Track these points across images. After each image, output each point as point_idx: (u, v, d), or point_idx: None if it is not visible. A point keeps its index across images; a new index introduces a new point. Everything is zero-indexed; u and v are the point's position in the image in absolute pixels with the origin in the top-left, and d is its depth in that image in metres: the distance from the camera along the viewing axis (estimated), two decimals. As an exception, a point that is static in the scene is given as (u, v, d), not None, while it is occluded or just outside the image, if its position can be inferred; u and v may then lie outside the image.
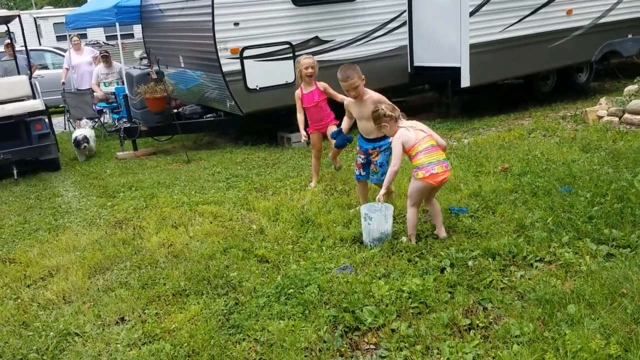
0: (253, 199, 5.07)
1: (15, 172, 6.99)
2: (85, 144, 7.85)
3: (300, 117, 5.43)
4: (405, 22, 8.17)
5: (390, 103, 3.98)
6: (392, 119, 3.71)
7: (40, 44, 16.87)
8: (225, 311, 3.08)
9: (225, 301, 3.19)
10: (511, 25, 7.92)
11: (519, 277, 3.16)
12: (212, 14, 6.83)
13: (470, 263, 3.34)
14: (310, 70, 5.26)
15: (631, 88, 7.17)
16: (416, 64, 8.36)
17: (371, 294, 3.07)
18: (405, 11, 8.10)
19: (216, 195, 5.38)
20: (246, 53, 7.08)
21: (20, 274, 3.93)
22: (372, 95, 4.26)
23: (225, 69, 7.01)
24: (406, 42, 8.26)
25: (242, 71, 7.11)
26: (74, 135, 8.00)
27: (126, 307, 3.27)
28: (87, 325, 3.11)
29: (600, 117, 6.72)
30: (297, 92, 5.40)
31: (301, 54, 7.35)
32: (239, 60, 7.06)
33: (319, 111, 5.39)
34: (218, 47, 6.92)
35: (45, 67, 14.04)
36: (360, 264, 3.49)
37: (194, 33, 7.47)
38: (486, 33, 7.73)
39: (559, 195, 4.19)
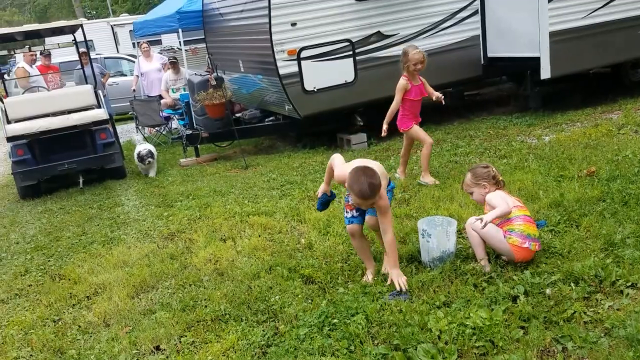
0: (305, 209, 4.77)
1: (81, 181, 7.14)
2: (150, 159, 7.40)
3: (394, 108, 5.06)
4: (477, 10, 7.57)
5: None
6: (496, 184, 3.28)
7: (117, 52, 17.60)
8: (262, 343, 2.79)
9: (263, 330, 2.90)
10: (596, 10, 7.10)
11: (606, 308, 2.63)
12: (269, 15, 6.62)
13: (548, 291, 2.83)
14: (420, 66, 4.90)
15: None
16: (490, 55, 7.73)
17: (428, 328, 2.66)
18: (476, -1, 7.49)
19: (268, 204, 5.14)
20: (304, 54, 6.81)
21: (66, 293, 3.86)
22: None
23: (282, 71, 6.78)
24: (478, 32, 7.67)
25: (300, 73, 6.85)
26: (137, 150, 7.53)
27: (164, 333, 3.06)
28: (121, 355, 2.93)
29: None
30: (405, 83, 4.97)
31: (361, 51, 7.06)
32: (296, 62, 6.81)
33: (419, 105, 5.14)
34: (275, 50, 6.71)
35: (123, 74, 14.53)
36: (416, 289, 3.08)
37: (252, 36, 7.30)
38: (568, 19, 6.96)
39: (656, 205, 3.56)
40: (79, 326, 3.36)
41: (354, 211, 3.26)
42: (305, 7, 6.74)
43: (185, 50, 9.93)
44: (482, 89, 10.16)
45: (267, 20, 6.65)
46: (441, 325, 2.66)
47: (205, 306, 3.31)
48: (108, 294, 3.73)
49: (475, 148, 6.22)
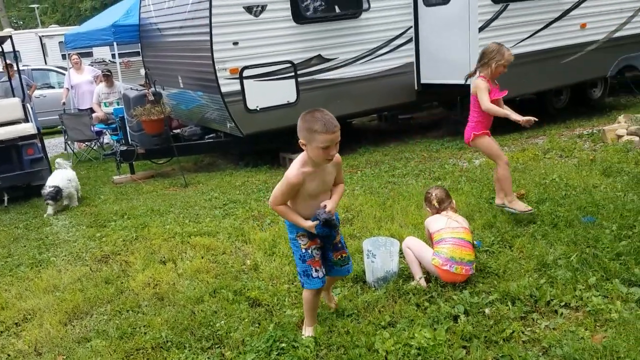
0: (249, 229, 4.73)
1: (6, 198, 6.73)
2: (51, 202, 6.20)
3: (493, 108, 4.09)
4: (411, 38, 7.88)
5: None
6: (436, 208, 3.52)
7: (46, 63, 16.82)
8: (208, 370, 2.73)
9: (209, 357, 2.84)
10: (523, 40, 7.59)
11: (543, 328, 2.78)
12: (210, 33, 6.58)
13: (487, 310, 2.96)
14: (506, 70, 4.15)
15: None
16: (423, 81, 8.05)
17: (375, 349, 2.70)
18: (411, 27, 7.82)
19: (211, 224, 5.05)
20: (246, 73, 6.81)
21: (-9, 319, 3.61)
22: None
23: (224, 89, 6.73)
24: (413, 59, 7.97)
25: (242, 92, 6.84)
26: (45, 187, 6.29)
27: (100, 363, 2.92)
28: (54, 385, 2.76)
29: (619, 137, 6.33)
30: (484, 84, 4.06)
31: (302, 73, 7.15)
32: (238, 80, 6.79)
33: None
34: (217, 68, 6.66)
35: (51, 87, 13.92)
36: (362, 309, 3.13)
37: (193, 53, 7.22)
38: (496, 49, 7.37)
39: (582, 227, 3.82)
40: (8, 355, 3.14)
41: (319, 269, 2.78)
42: (247, 27, 6.76)
43: (127, 62, 9.66)
44: (415, 113, 10.54)
45: (208, 38, 6.61)
46: (387, 346, 2.71)
47: (145, 333, 3.18)
48: (38, 320, 3.52)
49: (411, 170, 6.42)
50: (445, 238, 3.29)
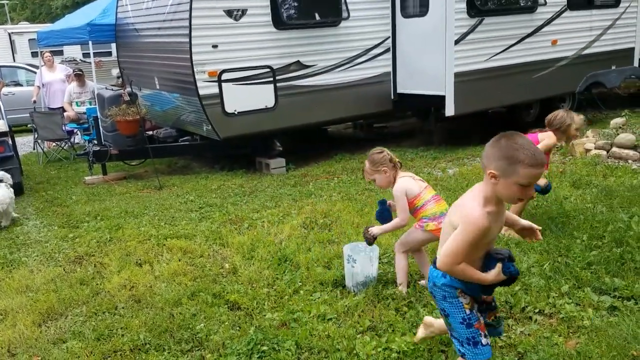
0: (227, 233, 4.71)
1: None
2: None
3: None
4: (389, 48, 8.00)
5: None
6: (394, 167, 3.26)
7: (14, 60, 16.40)
8: (189, 372, 2.72)
9: None
10: (496, 55, 7.80)
11: (518, 334, 2.86)
12: (190, 35, 6.55)
13: (464, 315, 3.02)
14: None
15: (618, 121, 7.05)
16: (399, 91, 8.18)
17: (355, 352, 2.74)
18: (388, 38, 7.94)
19: (187, 227, 5.01)
20: (225, 76, 6.79)
21: (-39, 320, 3.50)
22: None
23: (202, 92, 6.70)
24: (390, 69, 8.09)
25: (220, 95, 6.81)
26: None
27: (77, 364, 2.87)
28: (28, 387, 2.70)
29: (587, 150, 6.56)
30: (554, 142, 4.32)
31: (281, 78, 7.18)
32: (217, 83, 6.77)
33: None
34: (195, 70, 6.63)
35: (19, 84, 13.59)
36: (342, 314, 3.16)
37: (171, 54, 7.17)
38: (471, 62, 7.57)
39: (554, 237, 3.94)
40: (-22, 357, 3.06)
41: (487, 334, 2.20)
42: (227, 31, 6.75)
43: (98, 62, 9.49)
44: (390, 122, 10.68)
45: (187, 40, 6.58)
46: (368, 350, 2.75)
47: (123, 335, 3.14)
48: (11, 320, 3.43)
49: (388, 177, 6.49)
50: (427, 200, 3.21)
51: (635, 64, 9.38)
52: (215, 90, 6.77)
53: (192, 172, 7.98)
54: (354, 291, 3.42)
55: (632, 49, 9.25)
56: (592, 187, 5.12)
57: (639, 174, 5.47)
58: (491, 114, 9.72)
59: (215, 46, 6.70)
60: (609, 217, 4.20)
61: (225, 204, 5.76)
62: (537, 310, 3.04)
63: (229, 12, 6.69)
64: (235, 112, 6.91)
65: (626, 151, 6.17)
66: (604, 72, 8.96)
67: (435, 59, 7.55)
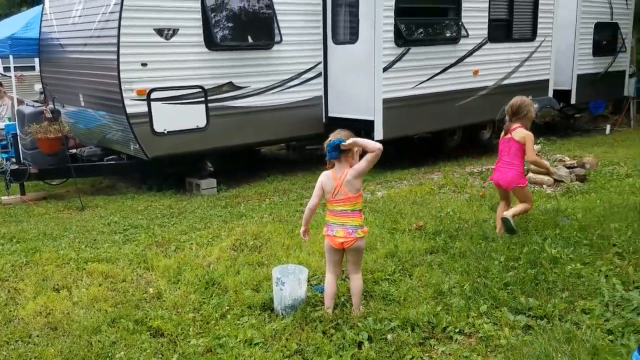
0: (152, 256, 4.57)
1: None
2: None
3: (539, 161, 4.92)
4: (321, 73, 8.18)
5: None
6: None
7: None
8: (106, 404, 2.59)
9: (108, 390, 2.70)
10: (422, 83, 8.15)
11: (439, 353, 2.96)
12: (118, 52, 6.40)
13: (389, 337, 3.09)
14: None
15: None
16: (331, 114, 8.35)
17: (282, 377, 2.73)
18: (320, 63, 8.13)
19: (110, 250, 4.81)
20: (154, 95, 6.67)
21: None
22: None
23: (129, 110, 6.54)
24: (321, 93, 8.27)
25: (149, 114, 6.68)
26: None
27: (-17, 399, 2.67)
28: None
29: (505, 175, 6.93)
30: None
31: (213, 99, 7.14)
32: (146, 102, 6.63)
33: None
34: (123, 88, 6.47)
35: None
36: (270, 338, 3.14)
37: (98, 71, 6.96)
38: (399, 89, 7.88)
39: (474, 258, 4.13)
40: None
41: None
42: (157, 50, 6.66)
43: (19, 76, 9.03)
44: (323, 144, 10.82)
45: (115, 57, 6.42)
46: (294, 374, 2.74)
47: (36, 365, 2.96)
48: None
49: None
50: (330, 209, 3.30)
51: (550, 94, 10.09)
52: (144, 108, 6.63)
53: (117, 192, 7.71)
54: (282, 314, 3.41)
55: (547, 80, 9.96)
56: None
57: (552, 199, 5.85)
58: (417, 139, 10.10)
59: (144, 64, 6.58)
60: (525, 239, 4.45)
61: (152, 226, 5.60)
62: (457, 330, 3.16)
63: (160, 31, 6.60)
64: (165, 132, 6.78)
65: (541, 177, 6.59)
66: (521, 102, 9.55)
67: (364, 85, 7.79)
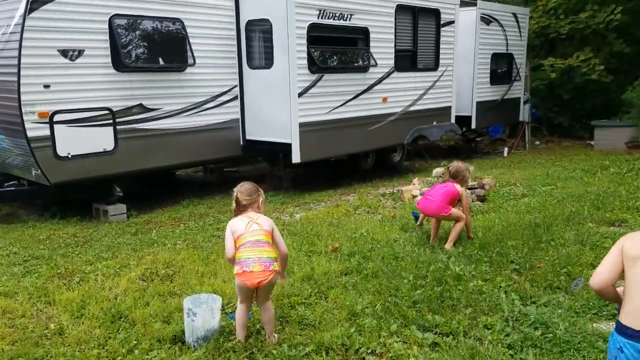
0: (54, 289, 4.30)
1: None
2: None
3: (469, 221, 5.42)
4: (237, 96, 8.18)
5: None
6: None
7: None
8: None
9: None
10: (336, 108, 8.38)
11: (352, 375, 3.02)
12: (19, 74, 6.05)
13: (303, 362, 3.12)
14: None
15: (438, 170, 7.95)
16: (248, 137, 8.36)
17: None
18: (236, 86, 8.14)
19: (8, 283, 4.47)
20: (57, 117, 6.35)
21: None
22: None
23: (30, 134, 6.17)
24: (238, 116, 8.26)
25: (52, 137, 6.33)
26: None
27: None
28: None
29: (414, 196, 7.26)
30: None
31: (122, 121, 6.91)
32: (48, 125, 6.28)
33: None
34: (23, 110, 6.10)
35: None
36: (181, 371, 3.05)
37: (-3, 93, 6.51)
38: (314, 113, 8.05)
39: (385, 278, 4.26)
40: None
41: None
42: (62, 71, 6.37)
43: None
44: (241, 167, 10.78)
45: (16, 79, 6.06)
46: (207, 406, 2.68)
47: None
48: None
49: (235, 224, 6.50)
50: (244, 242, 3.25)
51: (453, 120, 10.73)
52: (46, 132, 6.28)
53: (17, 220, 7.20)
54: (194, 346, 3.33)
55: (450, 107, 10.59)
56: (417, 230, 5.66)
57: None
58: (334, 161, 10.33)
59: (47, 86, 6.26)
60: (431, 257, 4.68)
61: (55, 256, 5.28)
62: (369, 351, 3.24)
63: (64, 52, 6.33)
64: (69, 156, 6.45)
65: (446, 198, 6.94)
66: (427, 127, 10.11)
67: (281, 109, 7.89)
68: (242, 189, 3.44)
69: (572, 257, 4.62)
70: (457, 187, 5.10)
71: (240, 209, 3.41)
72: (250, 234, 3.28)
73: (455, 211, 5.11)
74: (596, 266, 4.31)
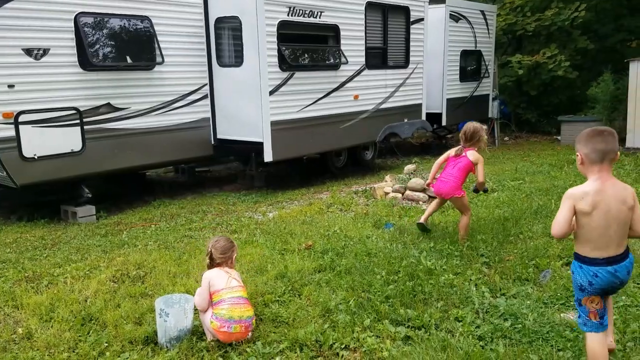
0: (22, 293, 4.20)
1: None
2: None
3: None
4: (207, 95, 8.11)
5: None
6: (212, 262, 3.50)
7: None
8: None
9: None
10: (307, 106, 8.39)
11: (326, 371, 3.04)
12: (-20, 73, 5.88)
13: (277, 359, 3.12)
14: None
15: (410, 167, 8.04)
16: (220, 136, 8.30)
17: (166, 411, 2.63)
18: (206, 85, 8.06)
19: (-28, 290, 4.35)
20: (23, 118, 6.20)
21: None
22: None
23: (-6, 135, 6.01)
24: (209, 115, 8.19)
25: (17, 138, 6.18)
26: None
27: None
28: None
29: (386, 193, 7.33)
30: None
31: (90, 121, 6.79)
32: (13, 125, 6.13)
33: None
34: (-14, 111, 5.94)
35: None
36: (154, 372, 3.02)
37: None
38: (285, 112, 8.03)
39: (358, 274, 4.29)
40: None
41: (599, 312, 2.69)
42: (26, 70, 6.23)
43: None
44: (213, 166, 10.71)
45: (-23, 78, 5.90)
46: (181, 407, 2.66)
47: None
48: None
49: (208, 223, 6.47)
50: (224, 299, 3.29)
51: (424, 117, 10.85)
52: (11, 133, 6.13)
53: (-20, 224, 7.00)
54: (167, 347, 3.29)
55: (420, 104, 10.70)
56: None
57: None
58: (306, 160, 10.34)
59: (11, 86, 6.12)
60: (403, 253, 4.73)
61: (22, 260, 5.16)
62: (343, 346, 3.26)
63: (29, 51, 6.18)
64: (35, 157, 6.31)
65: (417, 194, 7.04)
66: (398, 124, 10.19)
67: (252, 108, 7.85)
68: (217, 246, 3.49)
69: (540, 249, 4.73)
70: (470, 156, 4.94)
71: (214, 264, 3.49)
72: (230, 290, 3.33)
73: (465, 199, 5.08)
74: (563, 258, 4.43)
